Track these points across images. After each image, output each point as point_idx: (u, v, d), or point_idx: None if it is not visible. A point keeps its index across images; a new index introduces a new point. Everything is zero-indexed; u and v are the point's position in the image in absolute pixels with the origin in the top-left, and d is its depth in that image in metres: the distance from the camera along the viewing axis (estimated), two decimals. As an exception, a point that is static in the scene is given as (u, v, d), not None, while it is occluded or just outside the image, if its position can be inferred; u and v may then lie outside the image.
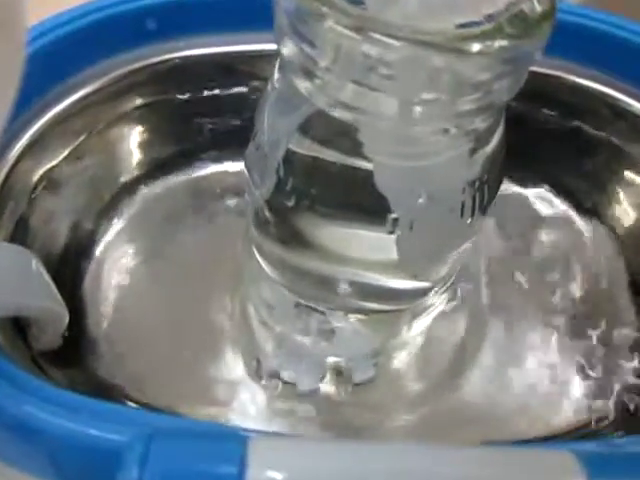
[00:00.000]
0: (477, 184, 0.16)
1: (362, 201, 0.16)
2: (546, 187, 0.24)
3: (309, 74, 0.13)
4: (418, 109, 0.13)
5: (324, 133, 0.15)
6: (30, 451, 0.13)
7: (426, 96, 0.13)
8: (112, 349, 0.20)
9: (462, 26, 0.13)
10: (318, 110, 0.15)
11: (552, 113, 0.23)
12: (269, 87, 0.16)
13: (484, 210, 0.17)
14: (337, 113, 0.14)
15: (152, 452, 0.11)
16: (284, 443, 0.11)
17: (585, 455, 0.11)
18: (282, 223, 0.17)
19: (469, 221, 0.16)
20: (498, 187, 0.17)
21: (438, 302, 0.20)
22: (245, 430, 0.12)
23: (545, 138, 0.23)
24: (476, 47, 0.12)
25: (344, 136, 0.15)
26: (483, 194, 0.16)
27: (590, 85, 0.22)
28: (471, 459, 0.11)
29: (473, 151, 0.15)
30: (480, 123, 0.15)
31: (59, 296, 0.17)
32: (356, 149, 0.15)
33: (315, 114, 0.15)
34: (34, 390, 0.14)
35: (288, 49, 0.13)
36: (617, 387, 0.20)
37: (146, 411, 0.14)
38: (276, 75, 0.16)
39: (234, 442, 0.10)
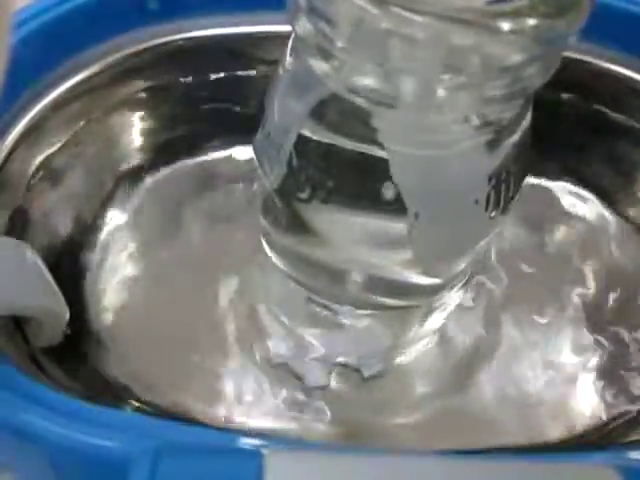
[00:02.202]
0: (498, 178, 0.15)
1: (377, 191, 0.15)
2: (564, 176, 0.23)
3: (325, 54, 0.12)
4: (441, 94, 0.12)
5: (338, 118, 0.15)
6: (30, 461, 0.13)
7: (451, 79, 0.12)
8: (116, 345, 0.19)
9: (493, 2, 0.12)
10: (333, 94, 0.14)
11: (571, 97, 0.22)
12: (280, 70, 0.16)
13: (505, 206, 0.16)
14: (353, 97, 0.13)
15: (160, 470, 0.10)
16: (301, 458, 0.10)
17: (628, 471, 0.11)
18: (292, 213, 0.16)
19: (488, 217, 0.16)
20: (521, 182, 0.16)
21: (453, 299, 0.20)
22: (259, 439, 0.11)
23: (563, 124, 0.22)
24: (507, 25, 0.11)
25: (360, 122, 0.14)
26: (505, 188, 0.15)
27: (612, 68, 0.21)
28: (506, 474, 0.10)
29: (496, 142, 0.15)
30: (506, 112, 0.14)
31: (59, 292, 0.16)
32: (372, 136, 0.14)
33: (329, 98, 0.14)
34: (33, 396, 0.13)
35: (303, 27, 0.13)
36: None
37: (153, 418, 0.14)
38: (288, 57, 0.15)
39: (249, 458, 0.10)
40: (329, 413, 0.19)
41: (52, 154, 0.20)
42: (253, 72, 0.22)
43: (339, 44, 0.12)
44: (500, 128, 0.14)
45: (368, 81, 0.12)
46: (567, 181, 0.23)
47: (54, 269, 0.18)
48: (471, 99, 0.13)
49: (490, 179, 0.15)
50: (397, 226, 0.15)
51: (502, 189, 0.15)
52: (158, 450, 0.10)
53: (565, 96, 0.22)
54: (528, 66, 0.12)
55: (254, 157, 0.17)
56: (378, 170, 0.14)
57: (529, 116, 0.15)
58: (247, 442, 0.11)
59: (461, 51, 0.12)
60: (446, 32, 0.11)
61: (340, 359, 0.19)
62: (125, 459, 0.11)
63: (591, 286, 0.21)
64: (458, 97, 0.12)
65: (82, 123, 0.21)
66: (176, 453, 0.10)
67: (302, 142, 0.15)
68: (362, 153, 0.14)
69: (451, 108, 0.13)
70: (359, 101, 0.13)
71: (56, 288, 0.16)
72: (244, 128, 0.18)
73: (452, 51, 0.12)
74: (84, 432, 0.12)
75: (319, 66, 0.13)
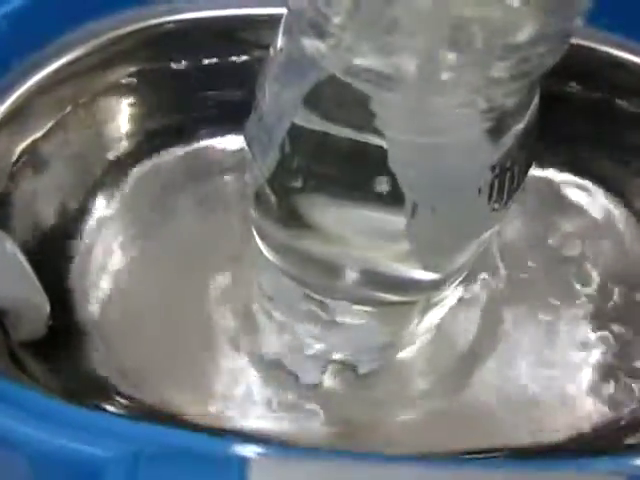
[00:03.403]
0: (502, 167, 0.15)
1: (374, 181, 0.14)
2: (569, 167, 0.22)
3: (320, 33, 0.12)
4: (444, 75, 0.12)
5: (334, 105, 0.14)
6: (7, 465, 0.12)
7: (456, 57, 0.11)
8: (102, 339, 0.19)
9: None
10: (327, 77, 0.13)
11: (579, 87, 0.21)
12: (271, 53, 0.15)
13: (509, 197, 0.15)
14: (351, 79, 0.12)
15: (138, 476, 0.09)
16: (286, 465, 0.10)
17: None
18: (285, 204, 0.16)
19: (491, 208, 0.15)
20: (526, 172, 0.16)
21: (452, 295, 0.19)
22: (245, 443, 0.10)
23: (570, 114, 0.21)
24: None
25: (356, 108, 0.13)
26: (509, 179, 0.15)
27: (621, 55, 0.21)
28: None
29: (500, 130, 0.14)
30: (512, 96, 0.13)
31: (39, 284, 0.15)
32: (369, 123, 0.13)
33: (324, 82, 0.13)
34: (8, 397, 0.12)
35: (297, 2, 0.12)
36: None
37: (133, 422, 0.13)
38: (280, 39, 0.15)
39: (233, 465, 0.09)
40: (323, 412, 0.18)
41: (36, 140, 0.19)
42: (247, 57, 0.21)
43: (336, 20, 0.11)
44: (504, 114, 0.14)
45: (367, 61, 0.12)
46: (572, 172, 0.22)
47: (38, 259, 0.17)
48: (477, 80, 0.12)
49: (494, 168, 0.14)
50: (394, 218, 0.15)
51: (506, 179, 0.15)
52: (137, 455, 0.10)
53: (570, 84, 0.21)
54: (536, 45, 0.12)
55: (245, 145, 0.16)
56: (374, 159, 0.14)
57: (535, 105, 0.15)
58: (231, 447, 0.10)
59: (465, 24, 0.11)
60: (449, 3, 0.10)
61: (335, 356, 0.19)
62: (103, 464, 0.11)
63: (596, 282, 0.21)
64: (463, 77, 0.12)
65: (68, 108, 0.20)
66: (156, 458, 0.10)
67: (295, 130, 0.14)
68: (357, 141, 0.14)
69: (455, 89, 0.12)
70: (357, 83, 0.12)
71: (36, 279, 0.16)
72: (237, 115, 0.18)
73: (457, 25, 0.11)
74: (60, 435, 0.12)
75: (314, 45, 0.12)
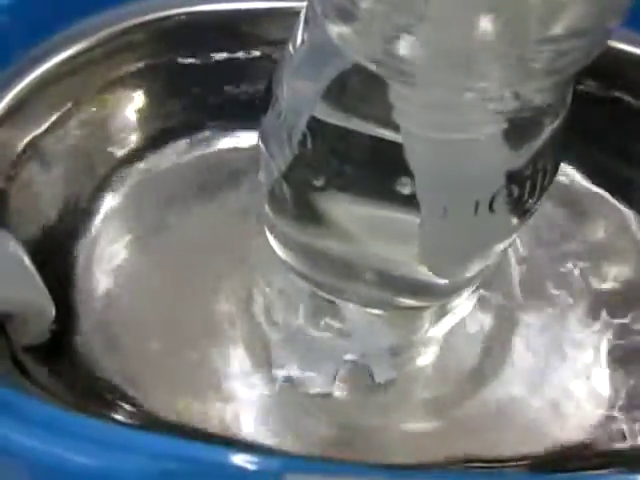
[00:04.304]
0: (527, 174, 0.14)
1: (395, 181, 0.14)
2: (580, 167, 0.22)
3: (346, 16, 0.11)
4: (476, 64, 0.11)
5: (355, 98, 0.13)
6: (7, 475, 0.11)
7: (488, 47, 0.11)
8: (107, 343, 0.18)
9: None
10: (350, 68, 0.13)
11: (589, 83, 0.21)
12: (290, 45, 0.14)
13: (531, 207, 0.15)
14: (376, 67, 0.12)
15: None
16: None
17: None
18: (302, 201, 0.15)
19: (511, 217, 0.14)
20: (550, 181, 0.15)
21: (465, 302, 0.19)
22: (268, 457, 0.10)
23: (580, 111, 0.21)
24: None
25: (379, 101, 0.13)
26: (532, 187, 0.14)
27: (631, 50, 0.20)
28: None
29: (523, 134, 0.13)
30: (541, 95, 0.13)
31: (43, 286, 0.15)
32: (392, 119, 0.13)
33: (346, 74, 0.13)
34: (9, 405, 0.12)
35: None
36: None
37: (141, 431, 0.12)
38: (301, 29, 0.14)
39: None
40: (335, 420, 0.18)
41: (38, 136, 0.19)
42: (257, 52, 0.21)
43: (363, 4, 0.11)
44: (528, 118, 0.13)
45: (395, 47, 0.11)
46: (586, 175, 0.22)
47: (41, 260, 0.17)
48: (510, 73, 0.11)
49: (518, 174, 0.14)
50: (414, 219, 0.14)
51: (522, 189, 0.14)
52: (144, 470, 0.09)
53: (586, 82, 0.21)
54: (573, 39, 0.11)
55: (259, 142, 0.16)
56: (396, 158, 0.13)
57: (563, 113, 0.14)
58: (257, 462, 0.10)
59: (502, 11, 0.10)
60: None
61: (346, 362, 0.19)
62: (106, 476, 0.10)
63: (610, 283, 0.20)
64: (496, 68, 0.11)
65: (71, 103, 0.19)
66: (166, 473, 0.09)
67: (315, 125, 0.14)
68: (379, 138, 0.13)
69: (486, 81, 0.11)
70: (382, 72, 0.12)
71: (40, 281, 0.15)
72: (245, 112, 0.18)
73: (492, 11, 0.10)
74: (63, 447, 0.11)
75: (339, 31, 0.12)
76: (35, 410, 0.12)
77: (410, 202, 0.14)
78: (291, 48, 0.14)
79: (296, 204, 0.15)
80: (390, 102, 0.13)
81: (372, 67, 0.12)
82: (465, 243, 0.15)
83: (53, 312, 0.16)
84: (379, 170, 0.14)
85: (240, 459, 0.10)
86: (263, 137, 0.16)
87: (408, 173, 0.13)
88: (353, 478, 0.10)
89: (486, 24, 0.11)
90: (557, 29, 0.11)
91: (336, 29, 0.12)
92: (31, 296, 0.15)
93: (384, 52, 0.11)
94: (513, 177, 0.14)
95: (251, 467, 0.09)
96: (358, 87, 0.13)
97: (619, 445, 0.18)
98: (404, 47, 0.11)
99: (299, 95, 0.14)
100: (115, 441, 0.12)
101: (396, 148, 0.13)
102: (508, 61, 0.11)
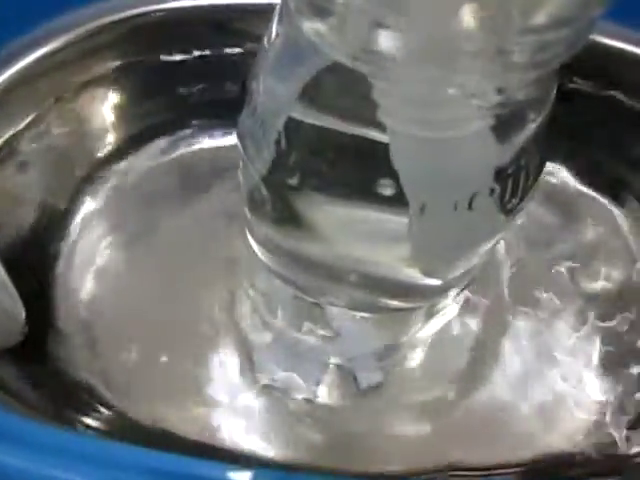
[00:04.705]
0: (510, 171, 0.14)
1: (375, 181, 0.13)
2: (570, 167, 0.21)
3: (321, 12, 0.11)
4: (457, 57, 0.11)
5: (333, 97, 0.13)
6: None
7: (469, 39, 0.10)
8: (85, 344, 0.18)
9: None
10: (327, 66, 0.12)
11: (583, 82, 0.20)
12: (265, 42, 0.14)
13: (514, 207, 0.14)
14: (354, 64, 0.11)
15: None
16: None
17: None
18: (281, 204, 0.15)
19: (496, 215, 0.14)
20: (535, 181, 0.15)
21: (453, 303, 0.19)
22: (246, 466, 0.09)
23: (573, 110, 0.20)
24: None
25: (357, 100, 0.12)
26: (514, 186, 0.14)
27: (626, 48, 0.20)
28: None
29: (508, 130, 0.13)
30: (524, 89, 0.12)
31: (13, 289, 0.15)
32: (371, 117, 0.12)
33: (323, 72, 0.12)
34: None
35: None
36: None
37: (117, 444, 0.12)
38: (275, 25, 0.14)
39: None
40: (320, 424, 0.18)
41: (16, 134, 0.19)
42: (240, 49, 0.20)
43: (339, -2, 0.10)
44: (514, 112, 0.13)
45: (373, 42, 0.11)
46: (576, 174, 0.21)
47: (17, 260, 0.17)
48: (492, 65, 0.11)
49: (500, 171, 0.13)
50: (396, 220, 0.14)
51: (508, 186, 0.14)
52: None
53: (575, 80, 0.20)
54: (556, 29, 0.11)
55: (237, 142, 0.16)
56: (375, 157, 0.13)
57: (547, 110, 0.14)
58: (235, 475, 0.09)
59: (483, 3, 0.10)
60: None
61: (331, 366, 0.18)
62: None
63: (603, 295, 0.20)
64: (478, 61, 0.11)
65: (50, 102, 0.19)
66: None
67: (292, 124, 0.13)
68: (357, 137, 0.13)
69: (468, 75, 0.11)
70: (360, 68, 0.11)
71: (10, 284, 0.15)
72: (228, 110, 0.17)
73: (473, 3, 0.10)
74: (34, 460, 0.10)
75: (314, 27, 0.11)
76: (5, 423, 0.12)
77: (389, 202, 0.13)
78: (267, 42, 0.14)
79: (274, 207, 0.15)
80: (371, 100, 0.12)
81: (350, 64, 0.11)
82: (447, 241, 0.15)
83: (23, 315, 0.15)
84: (356, 170, 0.14)
85: (212, 471, 0.10)
86: (240, 136, 0.15)
87: (387, 173, 0.13)
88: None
89: (467, 15, 0.10)
90: (540, 18, 0.11)
91: (311, 26, 0.11)
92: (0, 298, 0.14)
93: (362, 48, 0.11)
94: (494, 175, 0.13)
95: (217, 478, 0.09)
96: (335, 85, 0.13)
97: (609, 451, 0.18)
98: (382, 42, 0.11)
99: (275, 93, 0.14)
100: (88, 453, 0.11)
101: (374, 147, 0.13)
102: (490, 54, 0.11)
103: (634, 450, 0.17)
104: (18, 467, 0.11)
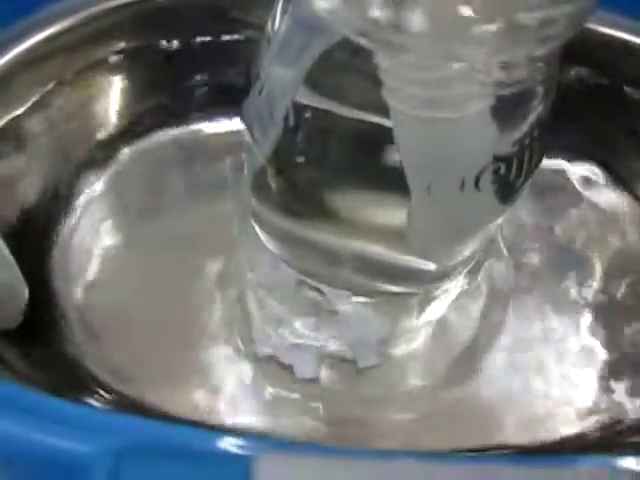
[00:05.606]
0: (511, 153, 0.14)
1: (378, 165, 0.14)
2: (576, 154, 0.22)
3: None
4: (463, 33, 0.11)
5: (338, 80, 0.13)
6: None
7: (475, 16, 0.11)
8: (85, 328, 0.18)
9: None
10: (334, 45, 0.12)
11: (584, 71, 0.20)
12: (269, 24, 0.14)
13: (518, 187, 0.15)
14: (362, 39, 0.11)
15: (122, 475, 0.08)
16: (294, 463, 0.09)
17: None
18: (286, 187, 0.15)
19: (497, 198, 0.14)
20: (538, 163, 0.15)
21: (454, 288, 0.19)
22: (244, 439, 0.10)
23: (576, 100, 0.21)
24: None
25: (363, 82, 0.13)
26: (518, 166, 0.14)
27: (629, 38, 0.20)
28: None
29: (510, 115, 0.13)
30: (528, 68, 0.12)
31: (16, 268, 0.15)
32: (375, 101, 0.13)
33: (329, 53, 0.13)
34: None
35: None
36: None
37: (118, 414, 0.12)
38: (280, 6, 0.14)
39: (234, 463, 0.08)
40: (318, 407, 0.18)
41: (18, 117, 0.18)
42: (241, 36, 0.20)
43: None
44: (518, 97, 0.13)
45: (381, 14, 0.11)
46: (579, 159, 0.22)
47: (18, 241, 0.17)
48: (497, 41, 0.11)
49: (500, 154, 0.14)
50: (398, 204, 0.14)
51: (511, 169, 0.14)
52: (120, 452, 0.09)
53: (577, 70, 0.20)
54: (557, 5, 0.11)
55: (243, 125, 0.16)
56: (380, 141, 0.13)
57: (551, 95, 0.14)
58: (231, 443, 0.09)
59: None
60: None
61: (332, 349, 0.18)
62: (84, 461, 0.10)
63: (602, 276, 0.20)
64: (484, 35, 0.11)
65: (51, 85, 0.19)
66: (142, 455, 0.09)
67: (298, 106, 0.14)
68: (362, 121, 0.13)
69: (474, 52, 0.11)
70: (367, 43, 0.11)
71: (14, 263, 0.15)
72: (230, 96, 0.17)
73: None
74: (39, 430, 0.11)
75: (325, 4, 0.11)
76: (8, 393, 0.12)
77: (392, 186, 0.14)
78: (270, 26, 0.14)
79: (279, 190, 0.15)
80: (376, 84, 0.12)
81: (360, 40, 0.12)
82: (451, 222, 0.15)
83: (26, 295, 0.15)
84: (360, 154, 0.14)
85: (210, 440, 0.10)
86: (245, 119, 0.15)
87: (390, 156, 0.13)
88: (328, 459, 0.10)
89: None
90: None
91: (322, 3, 0.11)
92: (3, 278, 0.14)
93: (372, 23, 0.11)
94: (500, 155, 0.14)
95: (222, 448, 0.09)
96: (341, 67, 0.13)
97: (609, 431, 0.18)
98: (390, 15, 0.11)
99: (281, 75, 0.14)
100: (89, 423, 0.11)
101: (378, 131, 0.13)
102: (497, 27, 0.11)
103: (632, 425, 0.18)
104: (21, 435, 0.11)
